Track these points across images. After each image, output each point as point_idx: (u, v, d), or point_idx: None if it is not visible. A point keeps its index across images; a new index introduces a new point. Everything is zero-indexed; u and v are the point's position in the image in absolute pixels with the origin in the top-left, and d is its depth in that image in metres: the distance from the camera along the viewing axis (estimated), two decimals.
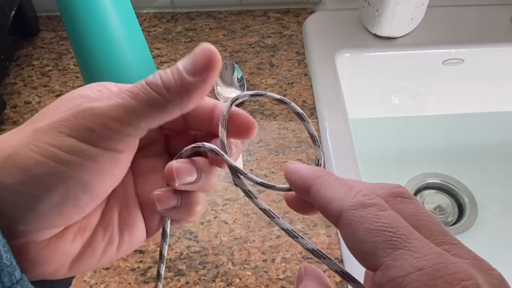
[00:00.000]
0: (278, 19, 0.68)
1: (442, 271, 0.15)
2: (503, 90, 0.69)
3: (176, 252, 0.44)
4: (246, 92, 0.24)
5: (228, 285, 0.42)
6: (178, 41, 0.65)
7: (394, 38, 0.62)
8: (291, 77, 0.60)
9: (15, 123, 0.55)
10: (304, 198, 0.21)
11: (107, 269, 0.43)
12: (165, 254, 0.25)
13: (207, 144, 0.23)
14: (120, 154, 0.20)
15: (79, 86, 0.23)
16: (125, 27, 0.42)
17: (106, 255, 0.22)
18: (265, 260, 0.43)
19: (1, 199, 0.18)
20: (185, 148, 0.23)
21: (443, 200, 0.66)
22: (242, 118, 0.23)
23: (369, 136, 0.70)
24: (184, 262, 0.43)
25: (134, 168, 0.24)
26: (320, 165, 0.23)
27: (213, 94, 0.56)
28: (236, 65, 0.59)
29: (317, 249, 0.20)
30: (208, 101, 0.24)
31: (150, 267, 0.43)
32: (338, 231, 0.20)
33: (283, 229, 0.21)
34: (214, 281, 0.42)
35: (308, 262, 0.43)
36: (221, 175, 0.50)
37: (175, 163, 0.22)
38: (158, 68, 0.59)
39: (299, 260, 0.43)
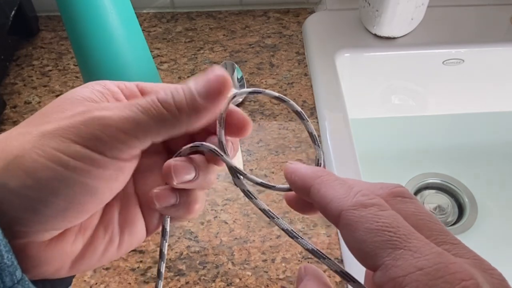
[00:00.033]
0: (278, 19, 0.68)
1: (443, 271, 0.15)
2: (503, 90, 0.69)
3: (176, 252, 0.44)
4: (243, 90, 0.24)
5: (228, 285, 0.42)
6: (178, 41, 0.65)
7: (394, 38, 0.62)
8: (291, 77, 0.60)
9: (15, 123, 0.55)
10: (304, 198, 0.21)
11: (107, 269, 0.43)
12: (165, 252, 0.25)
13: (206, 144, 0.23)
14: (124, 162, 0.20)
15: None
16: (125, 27, 0.42)
17: (107, 254, 0.22)
18: (265, 260, 0.43)
19: (3, 200, 0.18)
20: (184, 147, 0.23)
21: (443, 200, 0.66)
22: (237, 117, 0.23)
23: (369, 136, 0.70)
24: (184, 262, 0.43)
25: None
26: (320, 165, 0.23)
27: None
28: (236, 65, 0.59)
29: (317, 249, 0.20)
30: None
31: (150, 267, 0.43)
32: (338, 231, 0.20)
33: (282, 229, 0.21)
34: (214, 281, 0.42)
35: (308, 262, 0.43)
36: (221, 175, 0.50)
37: (173, 162, 0.22)
38: (158, 68, 0.59)
39: (299, 260, 0.43)
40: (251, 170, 0.50)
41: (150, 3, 0.69)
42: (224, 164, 0.23)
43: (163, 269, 0.25)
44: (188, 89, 0.20)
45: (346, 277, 0.19)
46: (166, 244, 0.25)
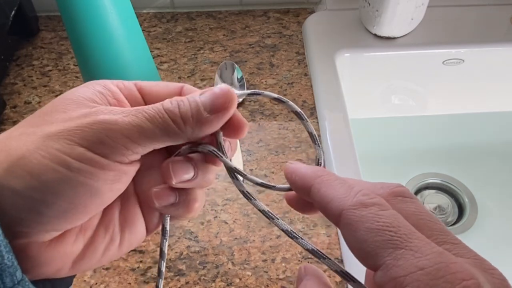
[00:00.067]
0: (278, 19, 0.68)
1: (443, 271, 0.15)
2: (503, 90, 0.69)
3: (176, 252, 0.44)
4: (243, 91, 0.24)
5: (228, 285, 0.42)
6: (178, 41, 0.65)
7: (394, 38, 0.62)
8: (291, 77, 0.60)
9: (15, 123, 0.55)
10: (304, 198, 0.21)
11: (107, 269, 0.43)
12: (165, 251, 0.25)
13: (205, 145, 0.23)
14: (126, 166, 0.21)
15: None
16: (125, 27, 0.42)
17: (107, 253, 0.22)
18: (265, 260, 0.43)
19: (6, 201, 0.18)
20: (183, 148, 0.23)
21: (443, 200, 0.66)
22: (234, 118, 0.23)
23: (369, 136, 0.70)
24: (184, 262, 0.43)
25: None
26: (320, 165, 0.23)
27: None
28: (236, 65, 0.59)
29: (317, 249, 0.20)
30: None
31: (150, 267, 0.43)
32: (339, 231, 0.20)
33: (282, 230, 0.21)
34: (214, 281, 0.42)
35: (308, 262, 0.43)
36: (221, 175, 0.50)
37: (171, 161, 0.22)
38: (158, 68, 0.59)
39: (299, 260, 0.43)
40: (251, 170, 0.50)
41: (150, 3, 0.69)
42: (222, 164, 0.23)
43: (163, 268, 0.25)
44: (194, 101, 0.21)
45: (346, 277, 0.19)
46: (166, 243, 0.25)
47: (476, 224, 0.63)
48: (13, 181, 0.18)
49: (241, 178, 0.23)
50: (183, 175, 0.22)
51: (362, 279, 0.19)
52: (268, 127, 0.54)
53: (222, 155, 0.22)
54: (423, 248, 0.16)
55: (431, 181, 0.68)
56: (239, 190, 0.23)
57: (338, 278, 0.42)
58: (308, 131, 0.23)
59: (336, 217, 0.18)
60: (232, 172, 0.23)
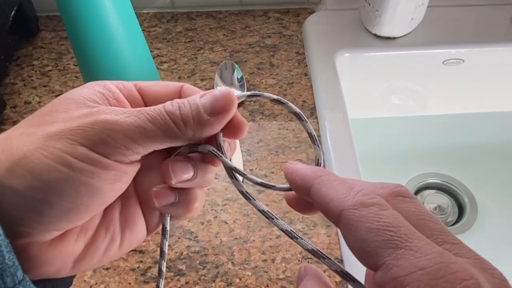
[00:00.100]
0: (278, 19, 0.68)
1: (444, 271, 0.15)
2: (503, 90, 0.69)
3: (176, 252, 0.44)
4: (243, 93, 0.24)
5: (228, 285, 0.42)
6: (178, 41, 0.65)
7: (394, 38, 0.62)
8: (291, 77, 0.60)
9: (15, 123, 0.55)
10: (304, 198, 0.21)
11: (107, 269, 0.43)
12: (166, 251, 0.25)
13: (204, 145, 0.23)
14: (127, 165, 0.21)
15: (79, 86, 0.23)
16: (125, 27, 0.42)
17: (108, 253, 0.22)
18: (265, 260, 0.43)
19: (7, 201, 0.18)
20: (182, 147, 0.23)
21: (443, 200, 0.66)
22: (233, 119, 0.23)
23: (369, 136, 0.70)
24: (184, 262, 0.43)
25: None
26: (320, 165, 0.23)
27: None
28: (236, 65, 0.59)
29: (317, 250, 0.20)
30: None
31: (150, 267, 0.43)
32: (339, 230, 0.20)
33: (282, 230, 0.21)
34: (214, 281, 0.42)
35: (308, 262, 0.43)
36: (221, 175, 0.50)
37: (171, 161, 0.22)
38: (158, 68, 0.59)
39: (299, 260, 0.43)
40: (251, 170, 0.50)
41: (150, 3, 0.69)
42: (221, 164, 0.23)
43: (164, 268, 0.25)
44: (194, 104, 0.21)
45: (346, 277, 0.19)
46: (167, 242, 0.25)
47: (476, 224, 0.63)
48: (14, 181, 0.18)
49: (241, 178, 0.23)
50: (182, 175, 0.22)
51: (362, 279, 0.19)
52: (268, 127, 0.54)
53: (221, 155, 0.22)
54: (423, 248, 0.16)
55: (431, 181, 0.68)
56: (239, 191, 0.23)
57: (338, 278, 0.42)
58: (307, 132, 0.23)
59: (336, 217, 0.18)
60: (231, 172, 0.23)
